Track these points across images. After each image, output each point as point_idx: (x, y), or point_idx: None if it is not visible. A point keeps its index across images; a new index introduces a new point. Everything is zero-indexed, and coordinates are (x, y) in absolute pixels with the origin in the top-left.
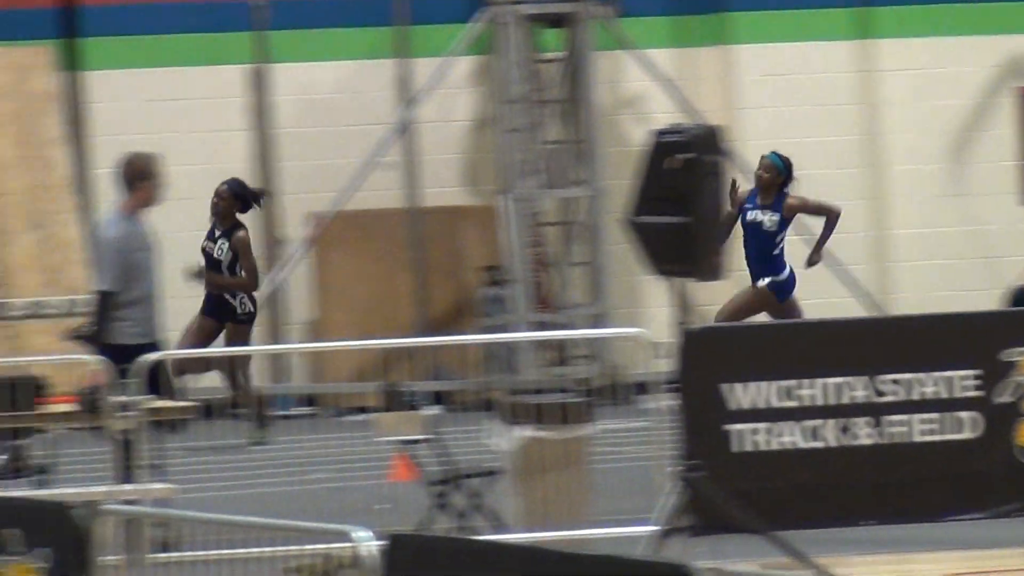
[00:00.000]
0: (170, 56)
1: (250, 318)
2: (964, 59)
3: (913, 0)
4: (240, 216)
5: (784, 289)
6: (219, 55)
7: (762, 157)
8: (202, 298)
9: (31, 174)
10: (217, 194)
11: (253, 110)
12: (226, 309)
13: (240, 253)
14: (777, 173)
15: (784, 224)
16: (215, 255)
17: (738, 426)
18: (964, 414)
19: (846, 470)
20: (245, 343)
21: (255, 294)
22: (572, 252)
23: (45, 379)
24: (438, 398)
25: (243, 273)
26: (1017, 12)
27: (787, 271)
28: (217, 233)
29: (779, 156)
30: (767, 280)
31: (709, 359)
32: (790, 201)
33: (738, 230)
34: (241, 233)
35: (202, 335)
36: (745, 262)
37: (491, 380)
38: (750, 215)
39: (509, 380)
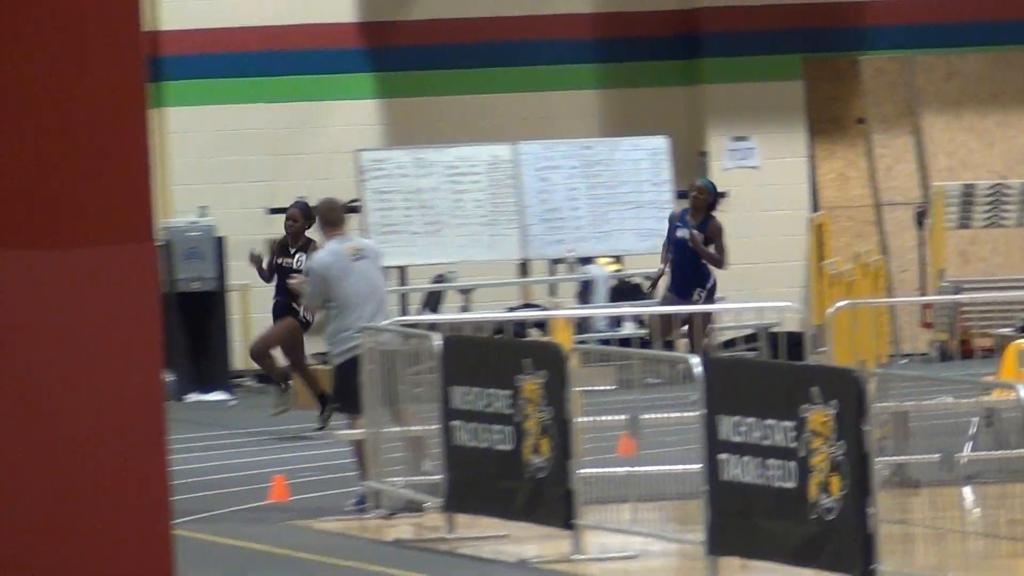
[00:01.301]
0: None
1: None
2: None
3: None
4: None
5: (712, 293)
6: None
7: (696, 180)
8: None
9: None
10: (291, 216)
11: None
12: (293, 313)
13: None
14: (709, 195)
15: (707, 243)
16: (295, 267)
17: None
18: None
19: None
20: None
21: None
22: None
23: None
24: None
25: None
26: None
27: (712, 279)
28: (292, 250)
29: (710, 181)
30: (703, 294)
31: None
32: (714, 224)
33: None
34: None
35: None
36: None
37: None
38: (679, 232)
39: None
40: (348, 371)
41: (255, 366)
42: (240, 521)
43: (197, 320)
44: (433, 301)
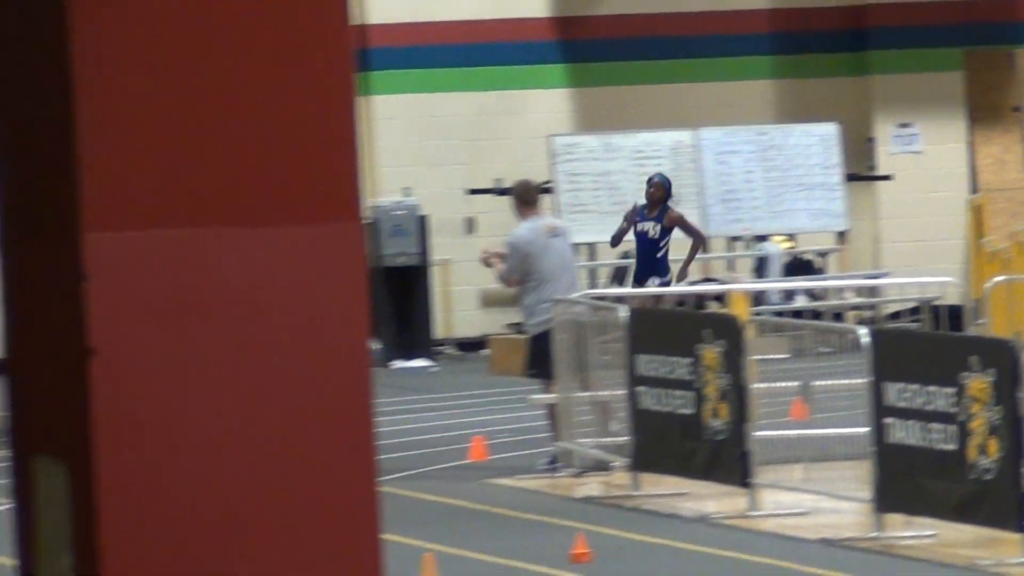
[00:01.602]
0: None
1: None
2: None
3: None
4: None
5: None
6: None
7: (651, 177)
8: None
9: None
10: (651, 184)
11: None
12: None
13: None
14: (663, 190)
15: (665, 233)
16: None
17: None
18: None
19: None
20: None
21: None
22: None
23: None
24: None
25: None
26: None
27: (669, 273)
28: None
29: (665, 176)
30: (657, 281)
31: None
32: (671, 214)
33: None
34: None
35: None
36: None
37: None
38: (640, 225)
39: None
40: (543, 341)
41: (458, 334)
42: (442, 479)
43: (402, 292)
44: (620, 275)
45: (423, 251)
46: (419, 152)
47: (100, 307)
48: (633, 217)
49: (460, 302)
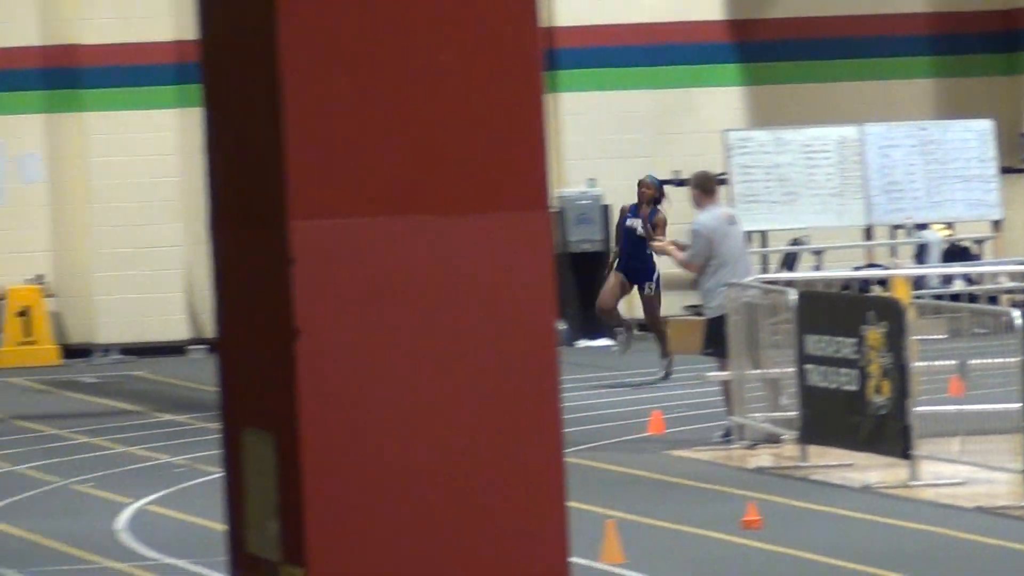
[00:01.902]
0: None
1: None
2: None
3: None
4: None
5: (659, 283)
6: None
7: (643, 178)
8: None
9: None
10: (643, 184)
11: None
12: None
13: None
14: (654, 190)
15: (652, 231)
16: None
17: None
18: None
19: None
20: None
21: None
22: None
23: None
24: None
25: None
26: None
27: (656, 271)
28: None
29: (655, 178)
30: (647, 284)
31: None
32: (659, 216)
33: None
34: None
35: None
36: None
37: None
38: (628, 222)
39: None
40: (720, 322)
41: (637, 316)
42: (622, 450)
43: (586, 276)
44: (789, 261)
45: (606, 238)
46: (602, 146)
47: (305, 290)
48: (624, 213)
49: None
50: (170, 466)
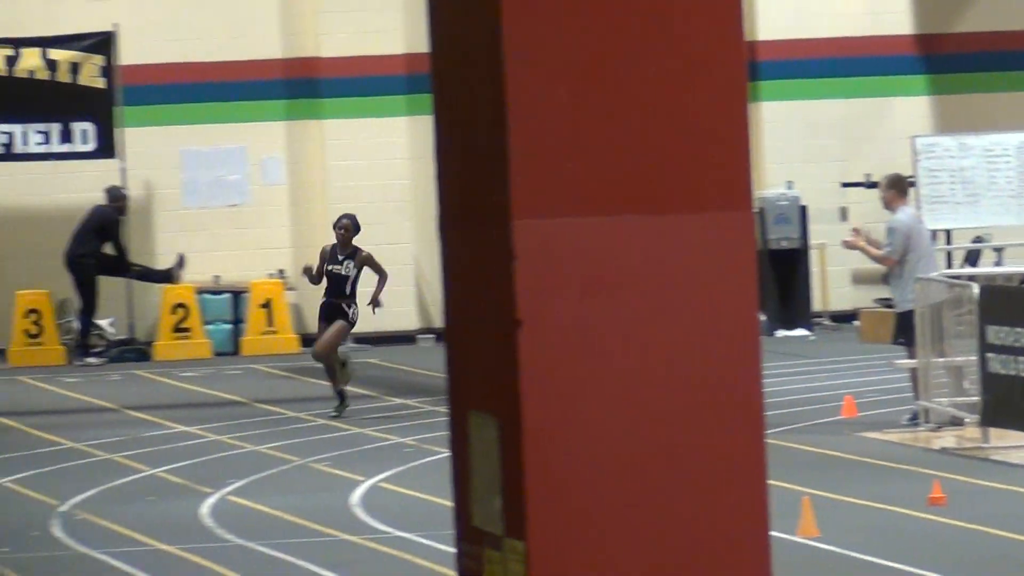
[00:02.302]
0: None
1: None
2: None
3: None
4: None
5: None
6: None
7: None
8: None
9: None
10: (343, 227)
11: None
12: (342, 314)
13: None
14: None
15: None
16: (343, 272)
17: None
18: None
19: None
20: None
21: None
22: None
23: None
24: None
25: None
26: None
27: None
28: (341, 257)
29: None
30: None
31: None
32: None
33: None
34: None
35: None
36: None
37: None
38: (330, 267)
39: None
40: (910, 314)
41: (832, 307)
42: (817, 432)
43: (784, 272)
44: (972, 258)
45: (803, 236)
46: (800, 150)
47: (526, 284)
48: (325, 258)
49: (834, 280)
50: (401, 446)
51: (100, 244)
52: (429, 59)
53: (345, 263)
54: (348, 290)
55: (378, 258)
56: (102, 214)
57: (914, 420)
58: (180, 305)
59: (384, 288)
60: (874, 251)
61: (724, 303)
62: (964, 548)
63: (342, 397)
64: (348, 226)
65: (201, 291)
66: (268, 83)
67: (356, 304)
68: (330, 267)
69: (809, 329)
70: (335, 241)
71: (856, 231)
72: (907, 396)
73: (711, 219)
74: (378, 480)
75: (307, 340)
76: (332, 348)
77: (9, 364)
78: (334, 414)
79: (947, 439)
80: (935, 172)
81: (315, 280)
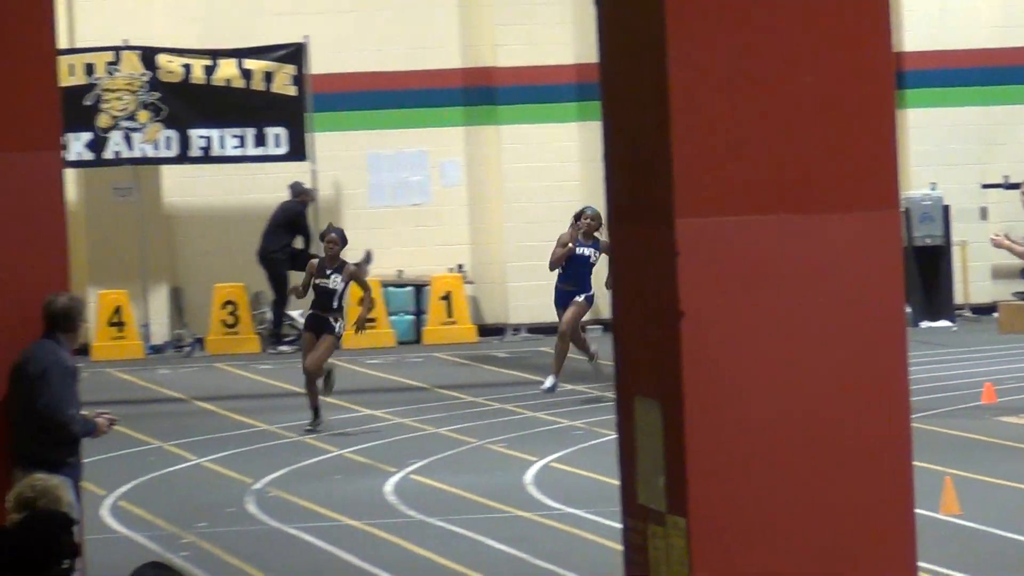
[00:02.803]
0: None
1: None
2: None
3: None
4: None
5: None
6: None
7: (585, 209)
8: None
9: None
10: (331, 241)
11: None
12: (328, 327)
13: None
14: (599, 222)
15: (597, 256)
16: (331, 286)
17: None
18: None
19: None
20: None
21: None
22: None
23: None
24: None
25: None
26: None
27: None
28: (328, 271)
29: (595, 208)
30: (583, 295)
31: None
32: (347, 269)
33: None
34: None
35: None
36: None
37: None
38: (579, 250)
39: None
40: None
41: (973, 301)
42: (959, 417)
43: (928, 267)
44: None
45: (946, 234)
46: (942, 154)
47: (688, 278)
48: (572, 241)
49: (975, 275)
50: (571, 429)
51: (290, 239)
52: (598, 69)
53: (332, 276)
54: (335, 303)
55: (364, 275)
56: (288, 209)
57: None
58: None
59: (368, 308)
60: (1019, 248)
61: (872, 296)
62: None
63: (317, 412)
64: (335, 240)
65: (386, 284)
66: (448, 91)
67: (343, 318)
68: (318, 280)
69: (951, 321)
70: (324, 255)
71: (1002, 235)
72: None
73: (861, 218)
74: (550, 460)
75: (484, 331)
76: (320, 365)
77: (208, 352)
78: (308, 428)
79: None
80: None
81: (301, 294)
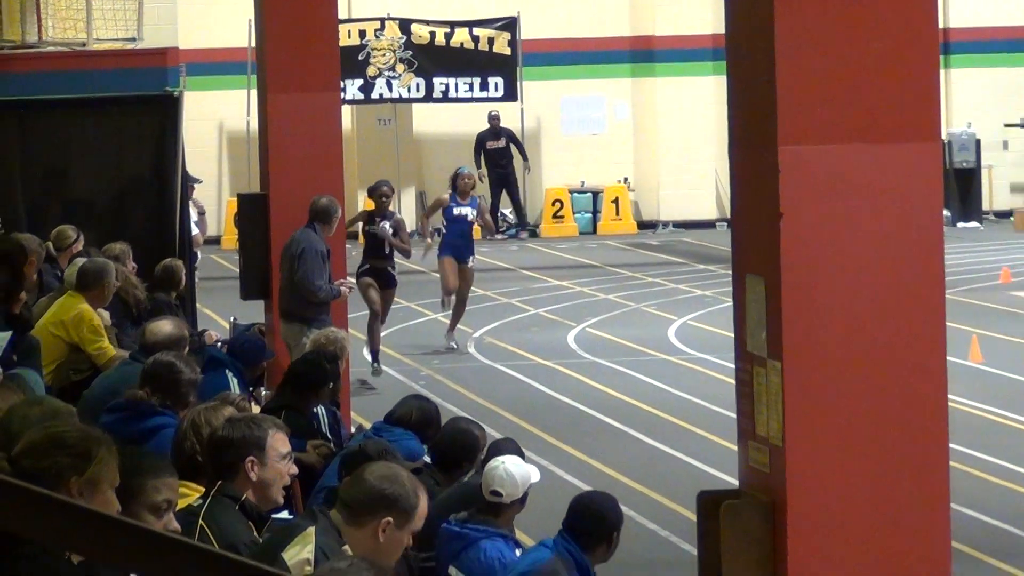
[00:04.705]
0: None
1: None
2: None
3: None
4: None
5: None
6: None
7: (461, 169)
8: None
9: None
10: (384, 194)
11: None
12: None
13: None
14: (475, 180)
15: (474, 217)
16: (379, 233)
17: None
18: None
19: None
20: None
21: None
22: None
23: None
24: None
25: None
26: None
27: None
28: (378, 219)
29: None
30: (472, 258)
31: None
32: (481, 203)
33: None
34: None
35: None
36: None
37: None
38: (456, 210)
39: None
40: None
41: (996, 207)
42: (983, 291)
43: (963, 183)
44: None
45: (977, 159)
46: (976, 102)
47: (786, 189)
48: (448, 203)
49: (997, 189)
50: (703, 297)
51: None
52: (725, 37)
53: (381, 224)
54: (387, 249)
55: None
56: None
57: None
58: (557, 200)
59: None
60: None
61: (919, 205)
62: None
63: (376, 355)
64: (387, 192)
65: (572, 191)
66: (619, 52)
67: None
68: (368, 227)
69: (980, 222)
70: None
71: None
72: None
73: (912, 148)
74: (687, 319)
75: (641, 225)
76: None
77: None
78: (373, 371)
79: None
80: None
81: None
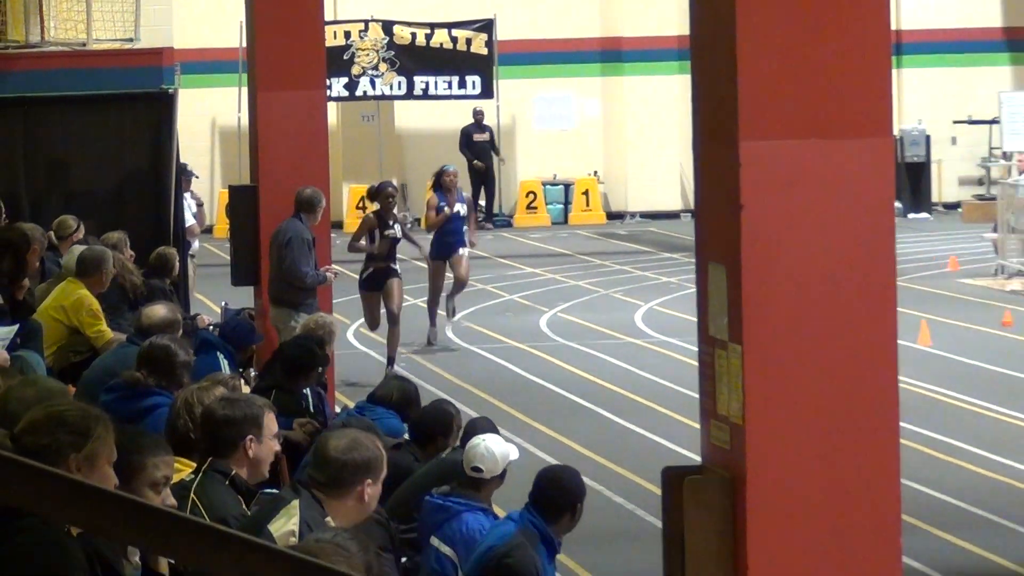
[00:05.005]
0: None
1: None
2: None
3: None
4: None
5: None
6: None
7: (447, 167)
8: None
9: None
10: (390, 195)
11: None
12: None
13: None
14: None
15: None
16: (396, 235)
17: None
18: None
19: None
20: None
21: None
22: None
23: None
24: None
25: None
26: None
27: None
28: (391, 222)
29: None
30: (465, 250)
31: None
32: (468, 198)
33: None
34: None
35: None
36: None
37: None
38: (456, 207)
39: None
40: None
41: (944, 200)
42: (932, 279)
43: (914, 176)
44: None
45: (927, 154)
46: (927, 99)
47: (747, 182)
48: (450, 207)
49: (946, 182)
50: (668, 284)
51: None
52: (690, 38)
53: (395, 226)
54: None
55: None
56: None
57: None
58: (531, 192)
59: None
60: None
61: (872, 197)
62: None
63: (392, 361)
64: (393, 193)
65: (544, 183)
66: (589, 52)
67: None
68: (385, 232)
69: (929, 213)
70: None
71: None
72: (991, 256)
73: (866, 143)
74: (653, 304)
75: (610, 215)
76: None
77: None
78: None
79: (1015, 284)
80: (1013, 114)
81: (369, 248)
